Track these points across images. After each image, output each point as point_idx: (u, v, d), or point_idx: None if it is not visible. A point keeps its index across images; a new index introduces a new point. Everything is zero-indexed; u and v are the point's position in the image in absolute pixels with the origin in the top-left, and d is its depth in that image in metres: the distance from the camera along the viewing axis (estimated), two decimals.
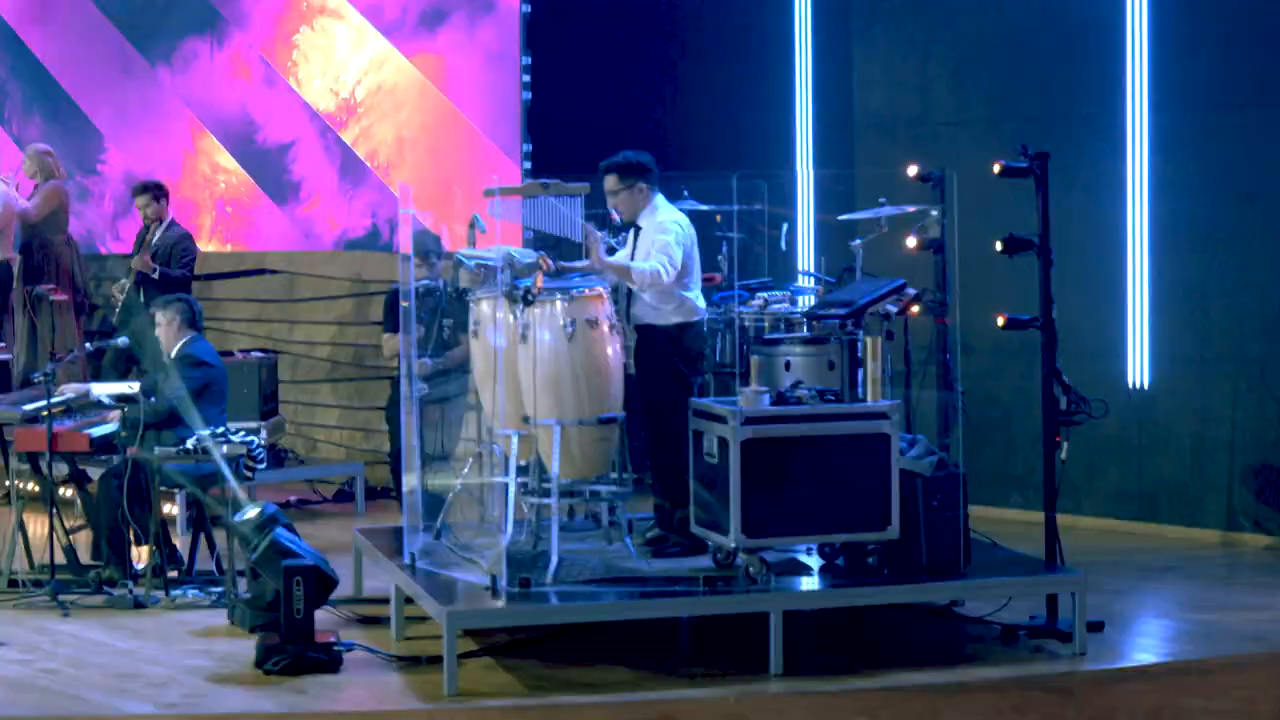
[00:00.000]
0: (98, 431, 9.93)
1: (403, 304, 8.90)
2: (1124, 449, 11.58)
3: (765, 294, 9.42)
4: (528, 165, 12.99)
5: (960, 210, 11.50)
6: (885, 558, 8.36)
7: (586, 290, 8.55)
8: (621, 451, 8.79)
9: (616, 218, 9.01)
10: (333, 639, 8.21)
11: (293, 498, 13.01)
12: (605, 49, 13.31)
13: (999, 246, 8.65)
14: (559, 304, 8.44)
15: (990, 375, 11.60)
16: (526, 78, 13.11)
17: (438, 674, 7.94)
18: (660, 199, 9.05)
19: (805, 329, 9.16)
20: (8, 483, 10.76)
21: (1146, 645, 8.87)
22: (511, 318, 8.57)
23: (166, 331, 10.36)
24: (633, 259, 8.86)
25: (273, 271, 15.23)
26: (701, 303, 9.03)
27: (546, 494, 8.57)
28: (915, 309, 9.19)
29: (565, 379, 8.47)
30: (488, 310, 8.75)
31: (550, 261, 8.55)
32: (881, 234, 9.69)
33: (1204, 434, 11.39)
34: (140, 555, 9.87)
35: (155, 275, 12.95)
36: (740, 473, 8.02)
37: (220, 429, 9.71)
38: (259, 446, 9.73)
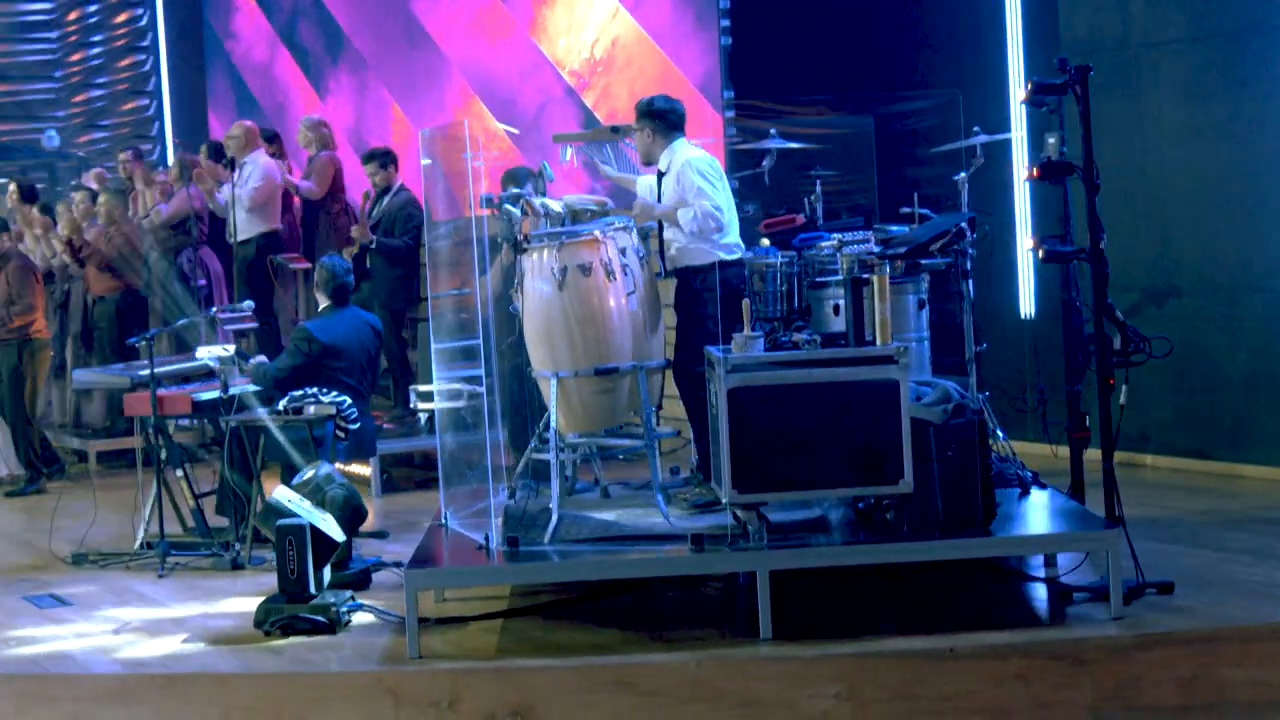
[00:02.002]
0: (202, 395, 10.01)
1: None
2: None
3: (841, 235, 8.81)
4: (730, 114, 12.53)
5: (1161, 139, 10.73)
6: (902, 513, 7.70)
7: (582, 236, 8.12)
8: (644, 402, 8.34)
9: None
10: (333, 600, 8.06)
11: None
12: None
13: (1034, 173, 7.89)
14: (548, 251, 8.04)
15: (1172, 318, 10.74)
16: (725, 22, 12.62)
17: (437, 635, 7.77)
18: (679, 141, 8.73)
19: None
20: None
21: (1201, 609, 7.70)
22: (559, 266, 8.19)
23: (318, 296, 10.36)
24: (659, 201, 8.50)
25: None
26: (738, 239, 8.59)
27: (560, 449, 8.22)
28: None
29: (557, 328, 8.07)
30: (533, 260, 8.37)
31: (536, 205, 8.19)
32: (979, 165, 9.01)
33: None
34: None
35: (373, 245, 12.98)
36: (728, 423, 7.50)
37: (311, 390, 9.65)
38: (350, 406, 9.63)
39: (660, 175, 8.74)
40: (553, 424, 8.11)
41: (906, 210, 9.26)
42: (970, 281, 9.08)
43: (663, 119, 8.74)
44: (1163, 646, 7.20)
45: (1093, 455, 8.21)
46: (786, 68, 12.30)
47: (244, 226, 14.38)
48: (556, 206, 8.51)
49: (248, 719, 7.28)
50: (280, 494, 8.24)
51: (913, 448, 7.52)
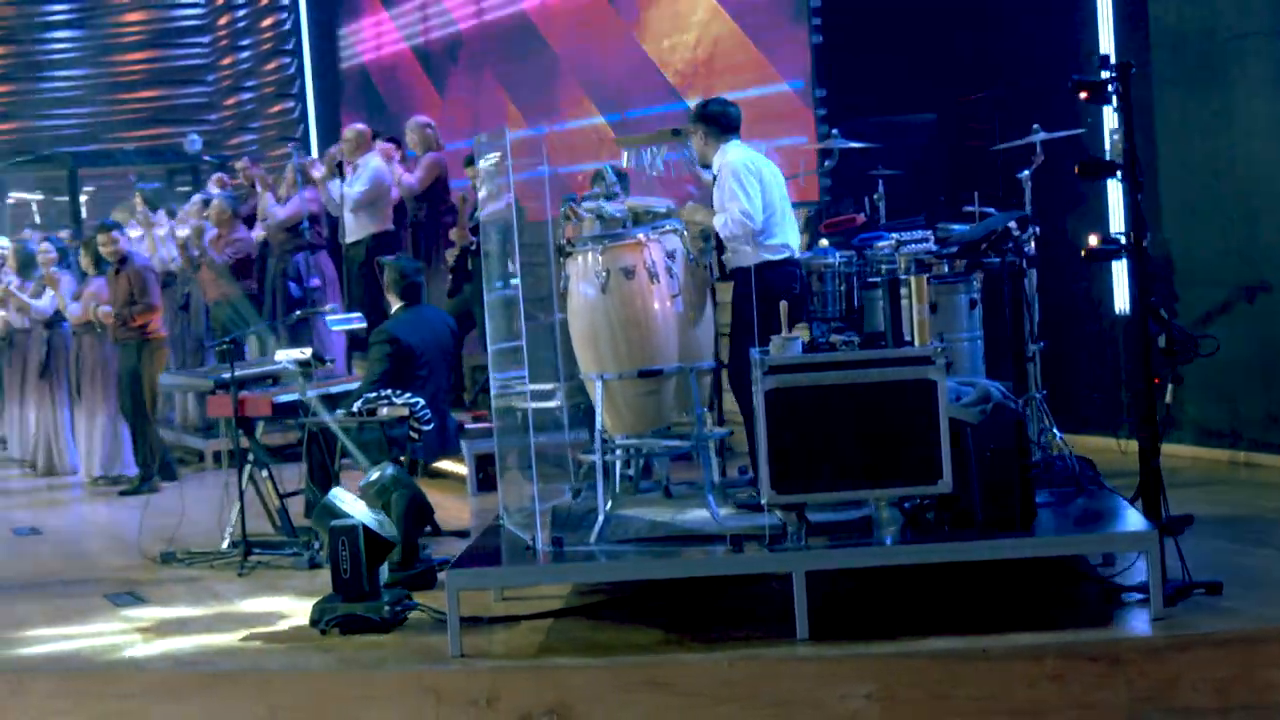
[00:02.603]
0: (282, 397, 10.20)
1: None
2: None
3: (899, 234, 8.81)
4: (821, 111, 12.53)
5: (1250, 133, 10.60)
6: (942, 513, 7.70)
7: (625, 239, 8.19)
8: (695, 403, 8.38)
9: None
10: (387, 599, 8.19)
11: None
12: None
13: (1076, 170, 7.84)
14: (591, 255, 8.12)
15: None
16: (817, 20, 12.63)
17: (485, 634, 7.89)
18: (731, 144, 8.88)
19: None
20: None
21: (1246, 610, 7.55)
22: (602, 270, 8.27)
23: (389, 297, 10.53)
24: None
25: None
26: (787, 239, 8.63)
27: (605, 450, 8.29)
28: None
29: (601, 331, 8.14)
30: (578, 264, 8.46)
31: (580, 211, 8.28)
32: (1040, 162, 8.96)
33: None
34: None
35: (473, 247, 13.15)
36: (766, 425, 7.54)
37: (385, 391, 9.80)
38: (424, 408, 9.77)
39: (715, 178, 8.82)
40: (598, 425, 8.19)
41: (969, 209, 9.22)
42: (1030, 279, 9.04)
43: (714, 122, 8.86)
44: (1200, 647, 7.11)
45: (1170, 451, 8.14)
46: (878, 64, 12.27)
47: (354, 228, 14.63)
48: (609, 210, 8.58)
49: (292, 717, 7.44)
50: (335, 495, 8.39)
51: (951, 448, 7.52)
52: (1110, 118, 11.23)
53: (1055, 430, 8.93)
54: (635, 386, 8.18)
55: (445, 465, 12.38)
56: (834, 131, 9.50)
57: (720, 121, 8.89)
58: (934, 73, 12.22)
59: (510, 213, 7.93)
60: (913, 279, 7.71)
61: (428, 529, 9.95)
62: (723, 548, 7.62)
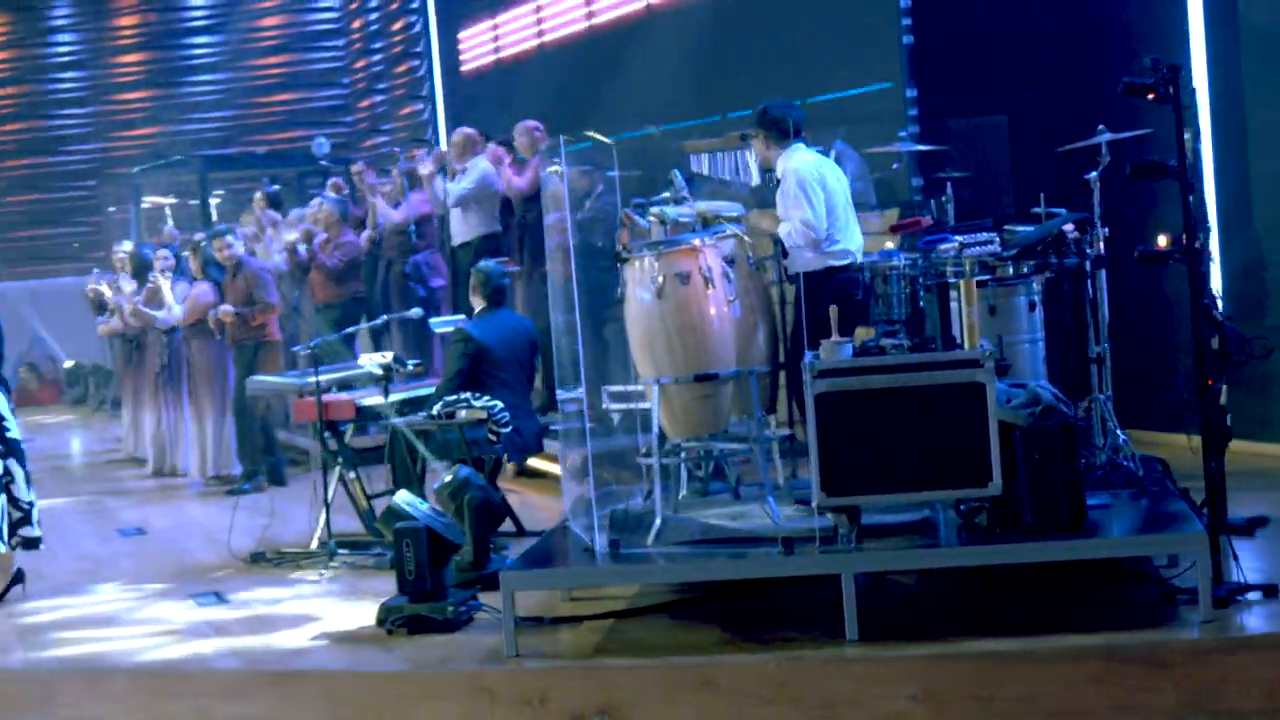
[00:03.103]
0: (365, 401, 10.41)
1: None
2: None
3: (963, 237, 8.84)
4: (913, 111, 12.54)
5: None
6: (995, 516, 7.74)
7: (680, 245, 8.30)
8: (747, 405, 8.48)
9: None
10: (451, 600, 8.35)
11: None
12: None
13: (1129, 172, 7.85)
14: (647, 260, 8.24)
15: None
16: (907, 20, 12.63)
17: (545, 634, 8.04)
18: (795, 149, 8.96)
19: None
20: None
21: None
22: (657, 276, 8.38)
23: (473, 300, 10.71)
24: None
25: None
26: (851, 244, 8.71)
27: (664, 454, 8.40)
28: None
29: (658, 337, 8.24)
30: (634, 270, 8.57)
31: (635, 216, 8.40)
32: (1106, 164, 8.96)
33: None
34: None
35: None
36: (816, 428, 7.62)
37: (464, 395, 9.97)
38: (501, 410, 9.92)
39: (778, 183, 8.91)
40: (654, 429, 8.31)
41: (1036, 210, 9.23)
42: (1098, 280, 9.04)
43: (774, 127, 8.97)
44: (1247, 650, 7.10)
45: (1264, 451, 8.12)
46: (968, 66, 12.26)
47: (462, 230, 14.82)
48: (672, 215, 8.68)
49: (353, 715, 7.62)
50: (401, 497, 8.57)
51: (1002, 450, 7.56)
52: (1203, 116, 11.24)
53: (1119, 431, 8.92)
54: (691, 390, 8.28)
55: (543, 465, 12.54)
56: (902, 135, 9.55)
57: (781, 126, 8.98)
58: (1020, 73, 12.20)
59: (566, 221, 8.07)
60: (961, 282, 7.76)
61: (512, 529, 10.14)
62: (775, 549, 7.72)
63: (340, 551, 10.15)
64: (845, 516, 7.70)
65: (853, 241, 8.95)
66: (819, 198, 8.77)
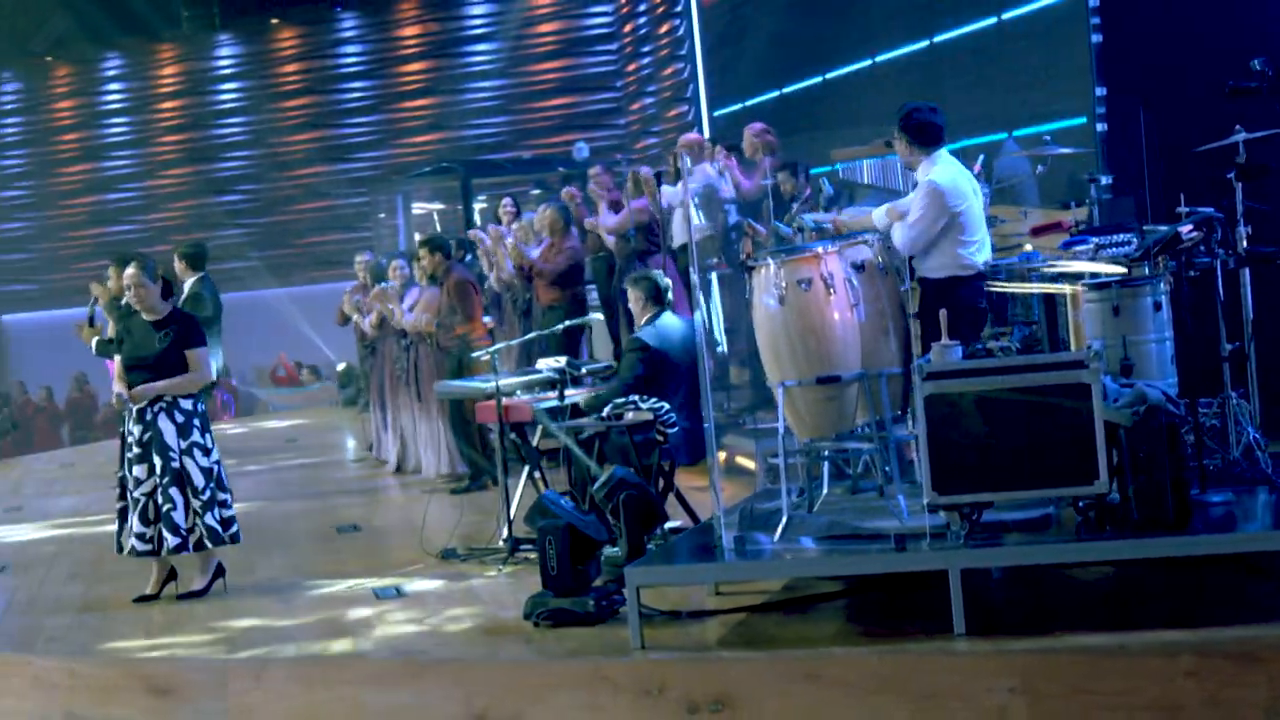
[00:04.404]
0: (542, 404, 10.84)
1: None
2: None
3: (1098, 239, 8.97)
4: (1101, 110, 12.57)
5: None
6: (1103, 513, 7.91)
7: (802, 253, 8.58)
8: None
9: None
10: (593, 594, 8.73)
11: None
12: None
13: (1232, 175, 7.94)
14: (771, 268, 8.54)
15: None
16: (1096, 20, 12.65)
17: (677, 629, 8.40)
18: (939, 156, 9.17)
19: None
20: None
21: None
22: (780, 283, 8.69)
23: (635, 308, 11.06)
24: None
25: None
26: (979, 256, 8.90)
27: (791, 454, 8.71)
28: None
29: (781, 341, 8.55)
30: (760, 278, 8.88)
31: (757, 227, 8.70)
32: (1244, 162, 9.01)
33: None
34: None
35: None
36: (926, 429, 7.87)
37: (632, 397, 10.32)
38: (668, 412, 10.26)
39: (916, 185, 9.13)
40: (779, 430, 8.61)
41: (1180, 210, 9.30)
42: (1242, 278, 9.09)
43: (916, 132, 9.12)
44: None
45: None
46: (1159, 61, 12.23)
47: (681, 233, 15.17)
48: (804, 224, 8.98)
49: (486, 703, 8.05)
50: (547, 495, 8.99)
51: (1109, 449, 7.73)
52: None
53: (1251, 429, 8.96)
54: (815, 392, 8.58)
55: (743, 462, 12.87)
56: (1046, 138, 9.66)
57: (926, 131, 9.15)
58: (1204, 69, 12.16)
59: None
60: (1067, 286, 7.93)
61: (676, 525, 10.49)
62: (889, 546, 7.99)
63: (524, 547, 10.57)
64: (956, 514, 7.95)
65: (981, 254, 9.11)
66: (938, 216, 8.93)
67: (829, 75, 18.58)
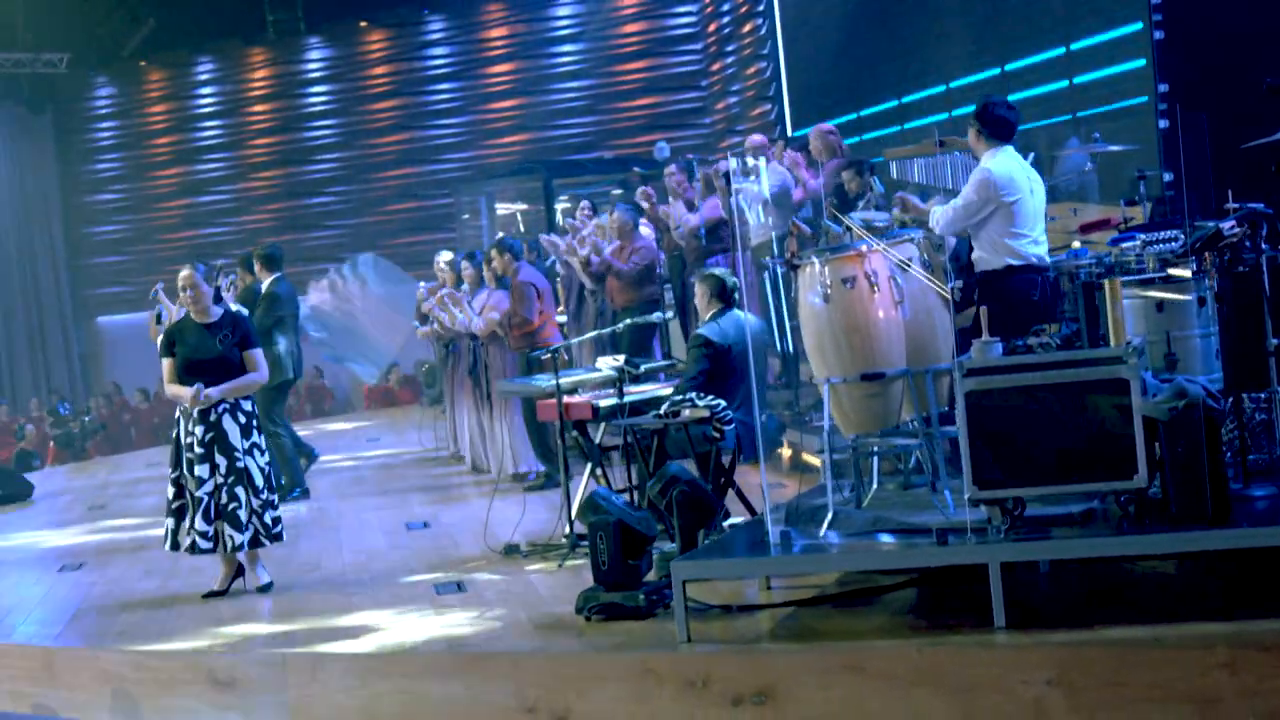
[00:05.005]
0: (602, 402, 10.99)
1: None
2: None
3: (1146, 235, 9.03)
4: (1162, 106, 12.61)
5: None
6: (1142, 507, 7.98)
7: (846, 251, 8.69)
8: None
9: None
10: (643, 589, 8.87)
11: None
12: None
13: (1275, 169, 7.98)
14: (816, 267, 8.66)
15: None
16: (1158, 16, 12.69)
17: (725, 622, 8.55)
18: (1003, 150, 9.37)
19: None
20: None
21: None
22: (825, 281, 8.80)
23: (700, 305, 11.19)
24: None
25: None
26: (1034, 249, 9.01)
27: (835, 449, 8.82)
28: None
29: (826, 338, 8.67)
30: (805, 276, 9.00)
31: (803, 226, 8.82)
32: None
33: None
34: None
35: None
36: (967, 424, 7.97)
37: (690, 395, 10.44)
38: (725, 409, 10.38)
39: None
40: (826, 425, 8.73)
41: (1229, 206, 9.32)
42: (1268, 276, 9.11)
43: (990, 125, 9.34)
44: None
45: None
46: (1220, 60, 12.26)
47: (759, 230, 15.28)
48: (855, 221, 9.09)
49: (535, 694, 8.23)
50: (598, 491, 9.14)
51: (1148, 444, 7.80)
52: None
53: None
54: (860, 389, 8.69)
55: (809, 459, 12.97)
56: (1095, 135, 9.71)
57: (999, 127, 9.36)
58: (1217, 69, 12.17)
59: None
60: (1107, 281, 8.00)
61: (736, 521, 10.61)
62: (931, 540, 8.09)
63: (584, 543, 10.71)
64: (997, 509, 8.04)
65: (1036, 248, 9.22)
66: (981, 208, 9.08)
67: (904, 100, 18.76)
